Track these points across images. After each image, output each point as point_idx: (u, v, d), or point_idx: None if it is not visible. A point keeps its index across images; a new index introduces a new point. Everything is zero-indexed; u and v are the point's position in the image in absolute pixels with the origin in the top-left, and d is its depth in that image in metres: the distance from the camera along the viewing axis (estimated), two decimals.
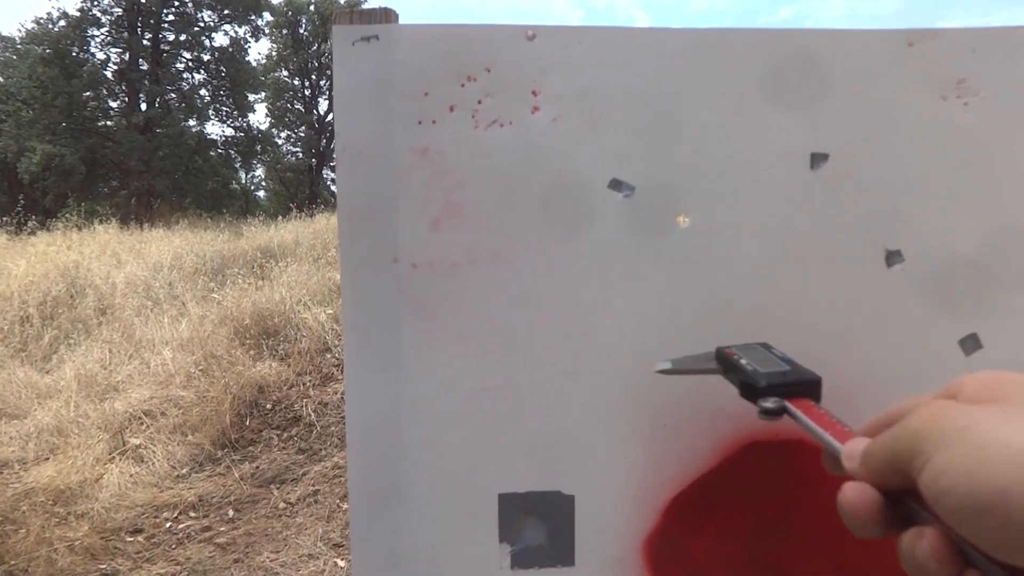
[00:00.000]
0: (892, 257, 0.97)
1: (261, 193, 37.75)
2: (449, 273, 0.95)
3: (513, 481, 0.96)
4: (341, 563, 3.79)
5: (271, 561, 3.85)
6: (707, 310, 0.96)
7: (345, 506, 4.36)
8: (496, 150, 0.94)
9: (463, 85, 0.94)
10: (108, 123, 26.16)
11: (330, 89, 34.60)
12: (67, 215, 15.42)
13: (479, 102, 0.94)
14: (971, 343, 0.98)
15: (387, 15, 0.95)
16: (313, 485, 4.61)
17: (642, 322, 0.96)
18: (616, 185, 0.95)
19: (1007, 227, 0.97)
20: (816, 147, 0.96)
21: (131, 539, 4.12)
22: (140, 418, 5.34)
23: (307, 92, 34.97)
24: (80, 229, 13.95)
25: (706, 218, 0.96)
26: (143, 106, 25.88)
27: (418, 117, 0.94)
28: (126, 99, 26.09)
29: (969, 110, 0.96)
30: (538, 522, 0.96)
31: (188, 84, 28.17)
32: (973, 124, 0.96)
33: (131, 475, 4.70)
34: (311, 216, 15.53)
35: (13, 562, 3.62)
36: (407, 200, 0.94)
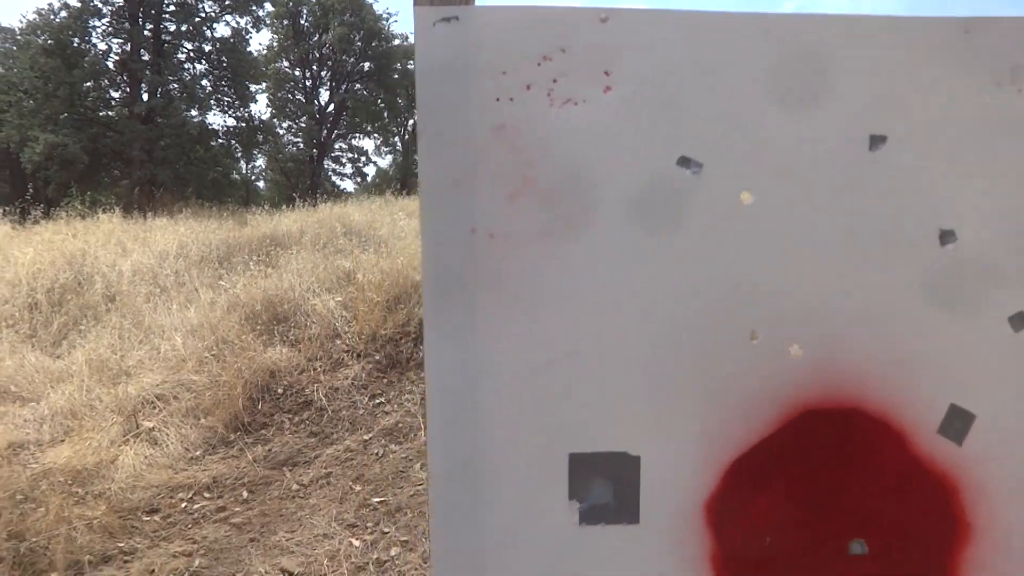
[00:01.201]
0: (946, 237, 1.02)
1: (261, 183, 37.73)
2: (523, 244, 0.99)
3: (583, 442, 1.01)
4: (356, 542, 3.84)
5: (287, 540, 3.90)
6: (770, 284, 1.01)
7: (358, 488, 4.42)
8: (570, 127, 0.99)
9: (539, 64, 0.99)
10: (110, 113, 26.08)
11: (331, 80, 34.54)
12: (71, 204, 15.42)
13: (554, 81, 0.99)
14: (1019, 320, 1.03)
15: None
16: (325, 468, 4.66)
17: (707, 294, 1.01)
18: (684, 162, 0.99)
19: None
20: (875, 130, 1.00)
21: (148, 518, 4.17)
22: (153, 402, 5.39)
23: (308, 83, 34.90)
24: (84, 218, 13.95)
25: (769, 196, 1.00)
26: (145, 96, 25.81)
27: (496, 95, 0.99)
28: (127, 89, 26.02)
29: (1022, 96, 1.01)
30: (606, 481, 1.01)
31: (190, 74, 28.07)
32: None
33: (146, 457, 4.74)
34: (314, 206, 15.55)
35: (34, 539, 3.67)
36: (485, 174, 0.99)
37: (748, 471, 1.02)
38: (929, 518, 1.04)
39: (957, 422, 1.03)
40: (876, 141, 1.01)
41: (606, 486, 1.01)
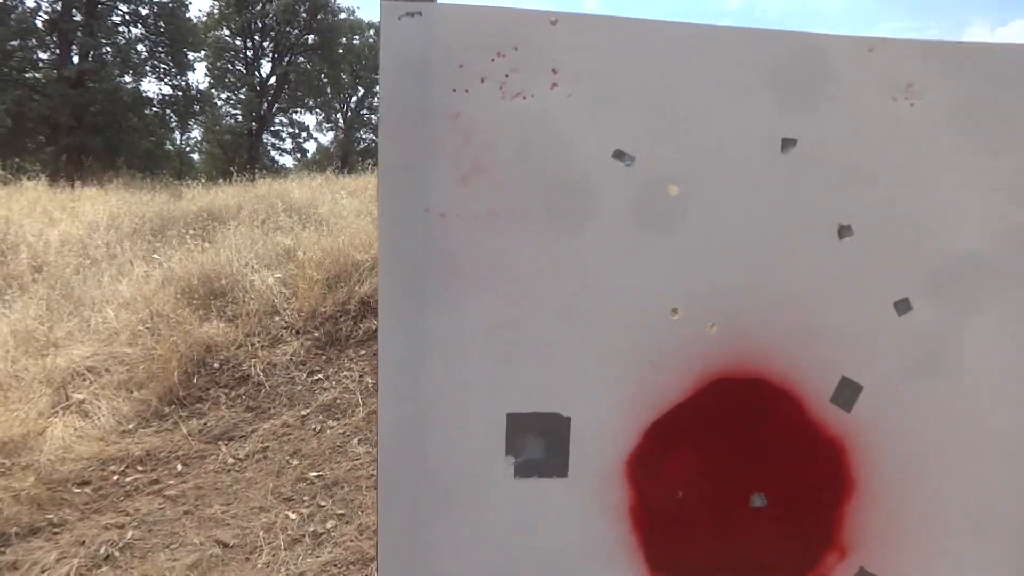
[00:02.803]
0: (843, 231, 1.16)
1: (196, 155, 36.66)
2: (473, 224, 1.09)
3: (520, 404, 1.12)
4: (292, 515, 3.90)
5: (222, 513, 3.93)
6: (691, 267, 1.13)
7: (295, 462, 4.46)
8: (519, 118, 1.09)
9: (493, 60, 1.09)
10: (37, 75, 24.92)
11: (274, 51, 33.72)
12: None
13: (506, 76, 1.09)
14: (903, 306, 1.18)
15: None
16: (262, 442, 4.69)
17: (634, 275, 1.13)
18: (619, 155, 1.11)
19: (939, 209, 1.17)
20: (787, 133, 1.14)
21: (78, 491, 4.13)
22: (83, 374, 5.29)
23: (249, 53, 34.03)
24: (6, 184, 13.38)
25: (693, 189, 1.13)
26: (75, 59, 24.76)
27: (452, 86, 1.08)
28: (57, 51, 24.89)
29: (914, 110, 1.15)
30: (539, 439, 1.13)
31: (124, 38, 27.05)
32: (916, 122, 1.16)
33: (76, 429, 4.67)
34: (252, 181, 15.25)
35: None
36: (440, 158, 1.08)
37: (665, 432, 1.14)
38: (821, 475, 1.19)
39: (847, 392, 1.18)
40: (787, 143, 1.14)
41: (539, 443, 1.12)
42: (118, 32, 26.89)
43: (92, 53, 25.17)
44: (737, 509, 1.18)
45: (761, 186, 1.14)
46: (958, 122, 1.17)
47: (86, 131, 23.41)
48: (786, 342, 1.16)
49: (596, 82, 1.10)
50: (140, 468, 4.40)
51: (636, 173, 1.12)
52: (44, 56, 25.35)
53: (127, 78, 26.32)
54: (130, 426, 4.82)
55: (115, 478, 4.28)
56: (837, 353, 1.17)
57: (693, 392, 1.15)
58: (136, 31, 27.61)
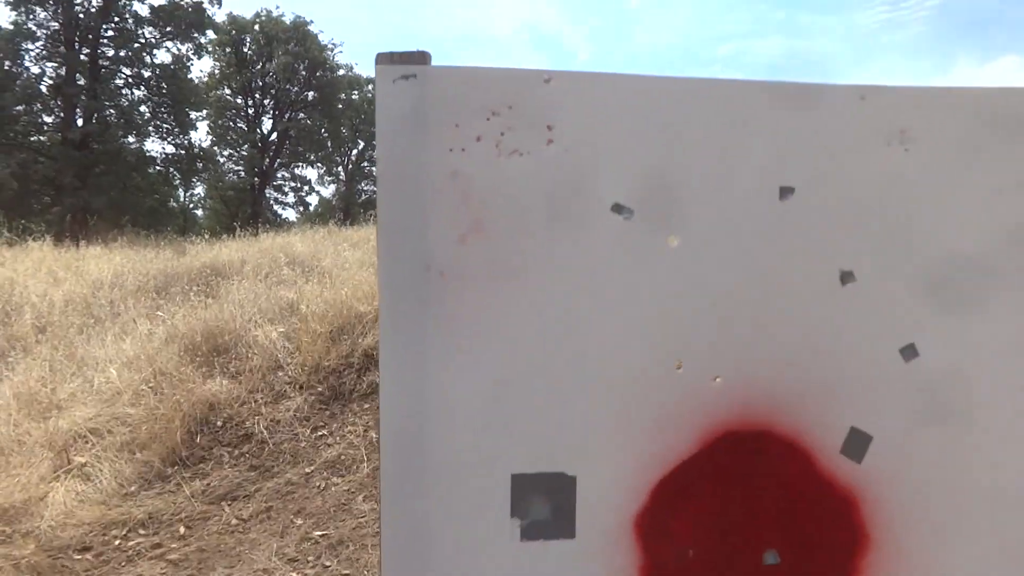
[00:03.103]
0: (846, 277, 1.15)
1: (200, 212, 37.02)
2: (472, 282, 1.09)
3: (524, 464, 1.10)
4: None
5: None
6: (694, 319, 1.12)
7: (299, 521, 4.38)
8: (515, 175, 1.10)
9: (488, 119, 1.09)
10: (42, 138, 25.35)
11: (274, 108, 34.31)
12: None
13: (502, 134, 1.10)
14: (910, 352, 1.17)
15: (423, 57, 1.10)
16: (266, 502, 4.61)
17: (636, 330, 1.12)
18: (618, 209, 1.11)
19: (938, 253, 1.16)
20: (784, 182, 1.14)
21: (79, 557, 4.06)
22: (85, 436, 5.24)
23: (250, 111, 34.63)
24: (12, 246, 13.48)
25: (693, 240, 1.12)
26: (79, 121, 25.21)
27: (449, 145, 1.09)
28: (61, 114, 25.37)
29: (908, 156, 1.16)
30: (544, 499, 1.10)
31: (127, 100, 27.59)
32: (910, 168, 1.16)
33: (77, 493, 4.61)
34: (255, 235, 15.35)
35: None
36: (438, 217, 1.08)
37: (673, 489, 1.12)
38: (833, 530, 1.15)
39: (857, 442, 1.15)
40: (785, 192, 1.15)
41: (545, 504, 1.10)
42: (121, 94, 27.43)
43: (96, 115, 25.64)
44: (750, 567, 1.15)
45: (760, 235, 1.14)
46: (952, 166, 1.17)
47: (91, 191, 23.70)
48: (792, 393, 1.14)
49: (591, 137, 1.11)
50: (142, 532, 4.32)
51: (635, 227, 1.11)
52: (49, 119, 25.84)
53: (131, 138, 26.76)
54: (132, 488, 4.76)
55: (117, 543, 4.20)
56: (844, 402, 1.15)
57: (700, 447, 1.13)
58: (139, 93, 28.17)
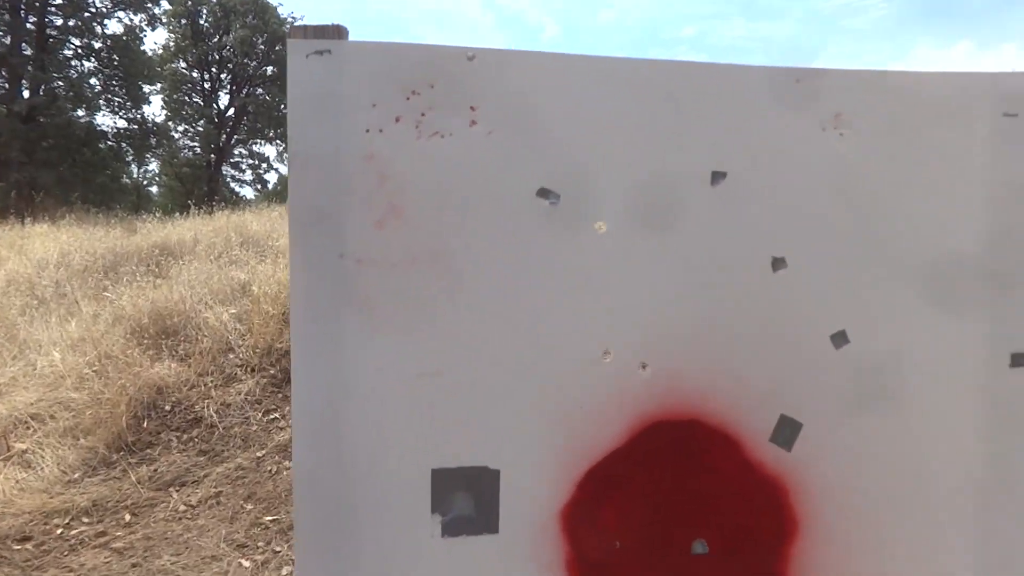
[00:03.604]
0: (777, 264, 1.13)
1: (154, 189, 36.09)
2: (391, 269, 1.04)
3: (445, 457, 1.06)
4: (246, 563, 3.74)
5: (172, 564, 3.76)
6: (621, 307, 1.09)
7: (249, 507, 4.31)
8: (436, 158, 1.05)
9: (408, 99, 1.04)
10: None
11: (232, 83, 33.48)
12: None
13: (422, 114, 1.04)
14: (840, 339, 1.15)
15: (338, 31, 1.04)
16: (215, 487, 4.52)
17: (562, 318, 1.08)
18: (544, 193, 1.07)
19: (870, 237, 1.15)
20: (716, 166, 1.11)
21: (18, 547, 3.93)
22: (27, 422, 5.08)
23: (207, 85, 33.73)
24: None
25: (621, 226, 1.09)
26: (26, 93, 24.28)
27: (365, 126, 1.03)
28: (7, 86, 24.39)
29: (843, 140, 1.13)
30: (467, 494, 1.07)
31: (77, 72, 26.62)
32: (845, 152, 1.14)
33: (17, 481, 4.46)
34: (210, 213, 15.01)
35: None
36: (354, 202, 1.03)
37: (600, 480, 1.09)
38: (762, 517, 1.14)
39: (786, 430, 1.14)
40: (717, 177, 1.12)
41: (467, 499, 1.06)
42: (70, 66, 26.46)
43: (43, 87, 24.72)
44: (678, 557, 1.13)
45: (691, 221, 1.11)
46: (886, 150, 1.16)
47: (37, 166, 22.89)
48: (722, 381, 1.12)
49: (517, 119, 1.06)
50: (86, 520, 4.21)
51: (561, 212, 1.08)
52: None
53: (80, 112, 25.88)
54: (76, 475, 4.63)
55: (59, 532, 4.09)
56: (775, 390, 1.14)
57: (628, 437, 1.10)
58: (89, 64, 27.21)
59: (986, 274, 1.16)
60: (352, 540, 1.04)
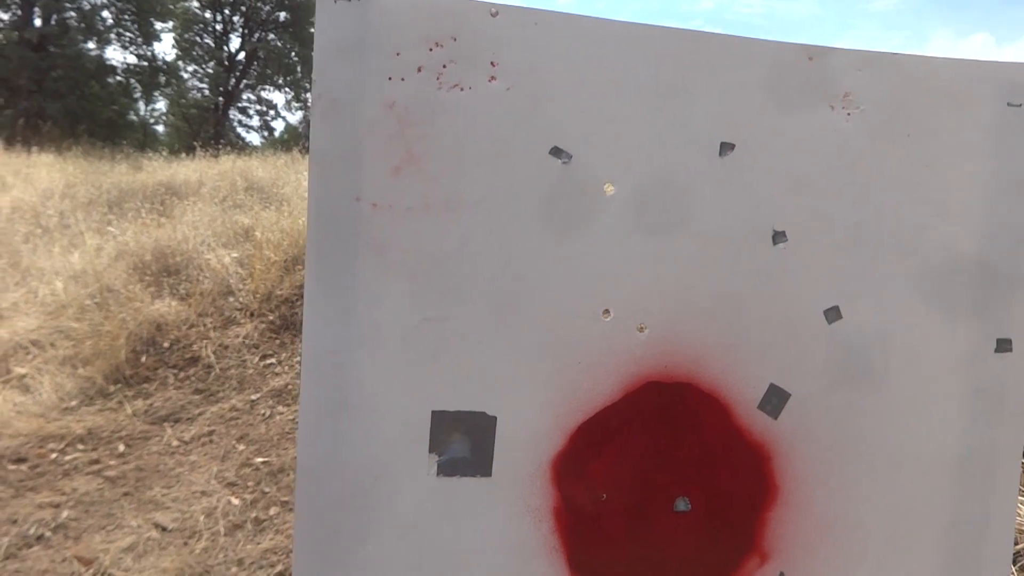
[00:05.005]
0: (777, 237, 1.16)
1: (161, 128, 35.83)
2: (404, 215, 1.07)
3: (445, 400, 1.10)
4: (235, 500, 3.84)
5: (162, 496, 3.85)
6: (624, 269, 1.12)
7: (241, 447, 4.39)
8: (455, 110, 1.07)
9: (431, 50, 1.06)
10: None
11: (244, 27, 33.07)
12: None
13: (444, 66, 1.07)
14: (833, 314, 1.19)
15: None
16: (209, 425, 4.61)
17: (566, 275, 1.12)
18: (556, 152, 1.09)
19: (872, 219, 1.18)
20: (726, 137, 1.13)
21: (13, 467, 4.02)
22: (27, 347, 5.15)
23: (219, 27, 33.32)
24: None
25: (628, 190, 1.12)
26: (37, 22, 23.99)
27: (389, 74, 1.05)
28: (19, 12, 24.10)
29: (850, 120, 1.16)
30: (463, 437, 1.11)
31: (89, 3, 26.28)
32: (852, 132, 1.16)
33: (15, 404, 4.55)
34: (216, 157, 14.95)
35: None
36: (373, 147, 1.06)
37: (592, 434, 1.14)
38: (744, 481, 1.19)
39: (774, 399, 1.18)
40: (725, 148, 1.14)
41: (464, 442, 1.11)
42: None
43: (55, 17, 24.43)
44: (660, 513, 1.18)
45: (698, 190, 1.14)
46: (893, 133, 1.18)
47: (46, 95, 22.74)
48: (717, 347, 1.16)
49: (535, 78, 1.09)
50: (80, 447, 4.30)
51: (572, 171, 1.10)
52: (5, 16, 24.53)
53: (91, 44, 25.62)
54: (73, 403, 4.71)
55: (53, 456, 4.17)
56: (766, 360, 1.18)
57: (622, 395, 1.14)
58: None
59: (980, 260, 1.20)
60: (351, 474, 1.08)
